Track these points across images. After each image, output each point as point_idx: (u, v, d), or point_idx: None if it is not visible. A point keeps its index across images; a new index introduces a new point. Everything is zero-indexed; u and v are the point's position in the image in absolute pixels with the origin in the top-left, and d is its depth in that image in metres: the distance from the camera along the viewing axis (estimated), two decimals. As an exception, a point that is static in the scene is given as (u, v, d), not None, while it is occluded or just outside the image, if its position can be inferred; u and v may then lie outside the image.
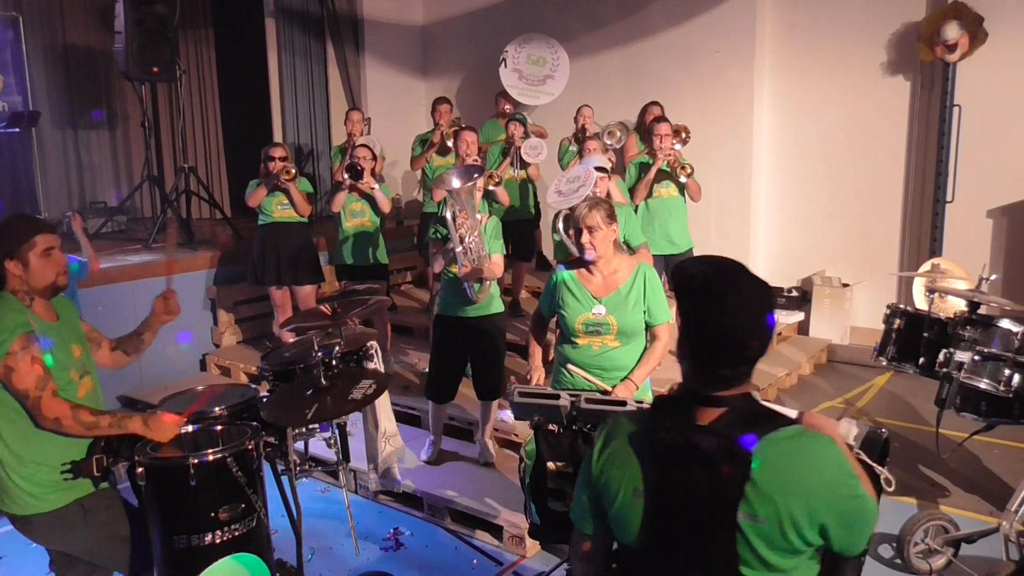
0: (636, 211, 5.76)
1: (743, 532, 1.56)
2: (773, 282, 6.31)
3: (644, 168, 5.84)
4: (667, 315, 3.44)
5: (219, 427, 2.98)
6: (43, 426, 2.61)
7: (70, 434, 2.64)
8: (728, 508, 1.56)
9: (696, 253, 6.03)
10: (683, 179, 5.70)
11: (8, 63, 7.86)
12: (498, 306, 4.64)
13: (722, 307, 1.58)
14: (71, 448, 2.73)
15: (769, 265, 7.42)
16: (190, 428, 2.94)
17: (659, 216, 5.82)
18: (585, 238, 3.31)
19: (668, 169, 5.71)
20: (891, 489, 2.02)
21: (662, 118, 5.96)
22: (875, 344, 4.25)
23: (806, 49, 7.18)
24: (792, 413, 2.12)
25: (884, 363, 4.18)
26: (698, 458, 1.58)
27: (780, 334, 7.02)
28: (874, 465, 2.03)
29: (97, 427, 2.64)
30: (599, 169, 4.70)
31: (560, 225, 4.72)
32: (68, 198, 8.68)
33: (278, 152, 5.92)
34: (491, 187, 5.77)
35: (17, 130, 7.16)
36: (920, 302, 4.58)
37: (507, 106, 7.54)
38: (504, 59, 7.93)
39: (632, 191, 5.83)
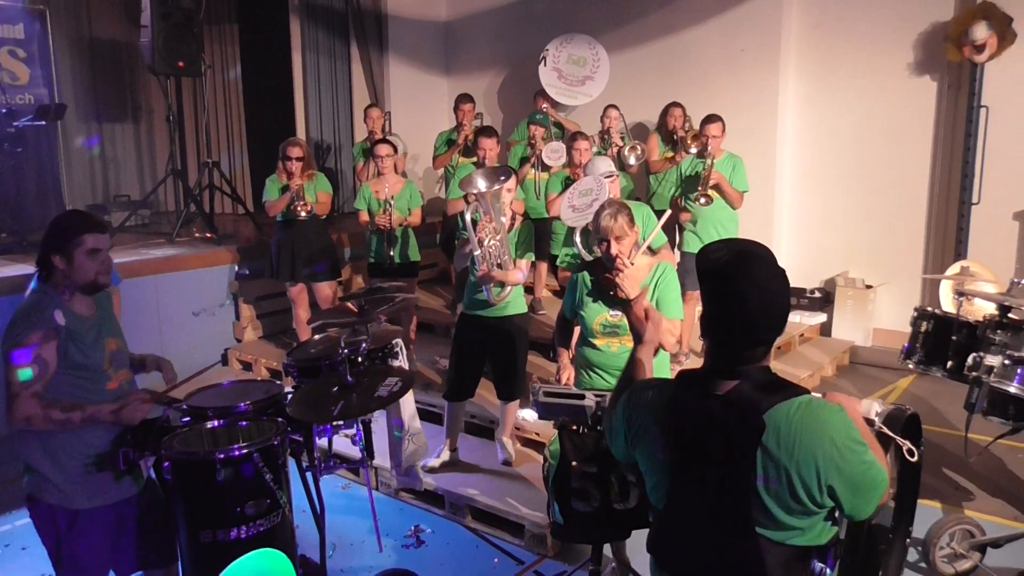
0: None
1: (758, 495, 1.66)
2: (795, 283, 6.24)
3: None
4: (675, 312, 3.38)
5: (244, 423, 2.98)
6: (12, 424, 2.61)
7: (42, 430, 2.64)
8: (742, 472, 1.67)
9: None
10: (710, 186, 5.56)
11: (35, 55, 7.91)
12: (519, 307, 4.59)
13: (736, 291, 1.68)
14: (98, 442, 2.75)
15: (791, 266, 7.34)
16: (216, 423, 2.96)
17: (701, 217, 5.70)
18: (615, 248, 3.27)
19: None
20: (914, 459, 2.12)
21: (715, 117, 5.72)
22: (902, 346, 4.21)
23: (832, 49, 7.11)
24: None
25: (911, 366, 4.14)
26: (713, 425, 1.69)
27: (802, 335, 6.97)
28: (895, 437, 2.12)
29: (70, 423, 2.64)
30: (606, 176, 4.73)
31: (578, 239, 4.68)
32: (92, 191, 8.75)
33: (295, 152, 5.68)
34: None
35: (43, 123, 7.19)
36: (947, 305, 4.52)
37: (545, 105, 7.49)
38: (544, 57, 7.82)
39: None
